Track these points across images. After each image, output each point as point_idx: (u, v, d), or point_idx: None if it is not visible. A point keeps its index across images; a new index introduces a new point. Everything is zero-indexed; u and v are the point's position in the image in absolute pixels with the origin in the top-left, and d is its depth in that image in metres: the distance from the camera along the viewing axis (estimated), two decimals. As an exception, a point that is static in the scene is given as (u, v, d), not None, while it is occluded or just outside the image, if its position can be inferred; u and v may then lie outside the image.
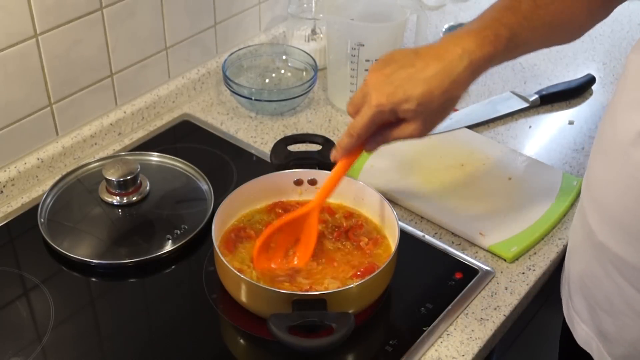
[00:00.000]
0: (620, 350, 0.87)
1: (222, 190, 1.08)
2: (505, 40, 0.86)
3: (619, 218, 0.80)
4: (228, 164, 1.20)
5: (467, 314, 0.97)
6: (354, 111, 0.90)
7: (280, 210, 1.03)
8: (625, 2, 0.95)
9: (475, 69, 0.86)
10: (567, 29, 0.93)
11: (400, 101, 0.85)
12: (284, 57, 1.41)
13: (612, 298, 0.85)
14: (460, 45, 0.85)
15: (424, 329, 0.94)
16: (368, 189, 1.02)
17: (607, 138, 0.82)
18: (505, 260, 1.04)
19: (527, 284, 1.01)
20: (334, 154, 0.94)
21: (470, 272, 1.02)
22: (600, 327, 0.89)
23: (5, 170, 1.11)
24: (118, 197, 1.10)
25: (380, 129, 0.90)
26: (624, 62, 1.50)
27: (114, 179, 1.09)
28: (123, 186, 1.09)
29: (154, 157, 1.18)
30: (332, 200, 1.04)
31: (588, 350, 0.92)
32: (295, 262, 0.96)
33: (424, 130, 0.88)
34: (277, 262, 0.96)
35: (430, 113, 0.86)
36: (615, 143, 0.79)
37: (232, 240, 0.98)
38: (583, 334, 0.92)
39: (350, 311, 0.87)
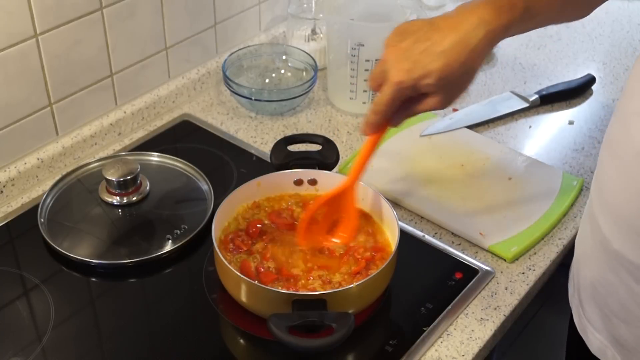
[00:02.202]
0: (639, 359, 0.86)
1: (222, 190, 1.08)
2: (520, 10, 0.85)
3: (635, 225, 0.79)
4: (228, 164, 1.20)
5: (467, 314, 0.97)
6: (375, 85, 0.90)
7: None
8: (626, 2, 0.95)
9: (492, 39, 0.85)
10: (580, 3, 0.93)
11: (420, 77, 0.84)
12: (284, 57, 1.41)
13: (628, 306, 0.84)
14: (477, 15, 0.84)
15: (424, 329, 0.94)
16: (368, 189, 1.02)
17: (619, 143, 0.81)
18: (505, 260, 1.04)
19: (527, 284, 1.01)
20: (362, 129, 0.93)
21: (470, 272, 1.02)
22: (616, 336, 0.87)
23: (5, 170, 1.11)
24: (118, 197, 1.10)
25: (405, 104, 0.90)
26: (624, 62, 1.51)
27: (114, 179, 1.09)
28: (123, 186, 1.09)
29: (154, 157, 1.18)
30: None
31: (603, 359, 0.91)
32: (339, 240, 0.98)
33: (446, 102, 0.88)
34: (324, 238, 0.98)
35: (451, 85, 0.86)
36: (629, 149, 0.78)
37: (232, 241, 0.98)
38: (597, 343, 0.91)
39: (350, 311, 0.86)
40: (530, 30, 0.91)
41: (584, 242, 0.91)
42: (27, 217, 1.09)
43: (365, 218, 1.02)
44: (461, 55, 0.84)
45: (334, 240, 0.98)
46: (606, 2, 0.95)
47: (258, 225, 1.00)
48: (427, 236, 1.07)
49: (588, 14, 0.95)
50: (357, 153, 0.97)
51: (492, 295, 0.99)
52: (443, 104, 0.88)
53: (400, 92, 0.87)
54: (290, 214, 1.02)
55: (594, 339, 0.91)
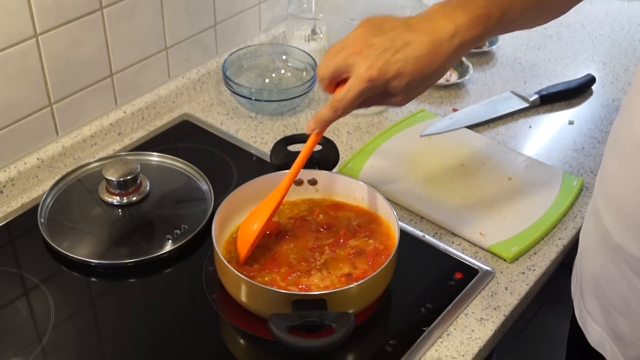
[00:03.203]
0: (634, 352, 0.86)
1: (222, 190, 1.08)
2: (495, 20, 0.86)
3: (637, 219, 0.79)
4: (228, 164, 1.20)
5: (467, 314, 0.97)
6: (329, 75, 0.87)
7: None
8: (626, 2, 0.95)
9: (465, 48, 0.87)
10: (557, 6, 0.94)
11: (391, 78, 0.85)
12: (284, 57, 1.41)
13: (627, 299, 0.84)
14: (454, 22, 0.85)
15: (424, 329, 0.94)
16: (368, 189, 1.02)
17: (624, 139, 0.82)
18: (505, 260, 1.04)
19: (527, 284, 1.01)
20: (310, 125, 0.91)
21: (470, 272, 1.02)
22: (615, 329, 0.88)
23: (5, 170, 1.11)
24: (118, 197, 1.10)
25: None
26: (624, 62, 1.51)
27: (114, 179, 1.09)
28: (123, 186, 1.09)
29: (154, 157, 1.18)
30: (333, 199, 1.04)
31: (601, 352, 0.91)
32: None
33: (405, 102, 0.89)
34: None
35: (416, 87, 0.88)
36: (634, 144, 0.79)
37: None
38: (596, 336, 0.92)
39: (350, 311, 0.86)
40: (505, 33, 0.92)
41: (587, 236, 0.92)
42: (27, 217, 1.09)
43: (366, 218, 1.02)
44: (434, 63, 0.85)
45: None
46: (606, 2, 0.95)
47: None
48: (427, 236, 1.07)
49: (564, 13, 0.96)
50: (298, 155, 0.95)
51: (492, 295, 0.99)
52: (402, 103, 0.89)
53: (368, 90, 0.86)
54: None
55: (593, 332, 0.92)
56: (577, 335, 0.97)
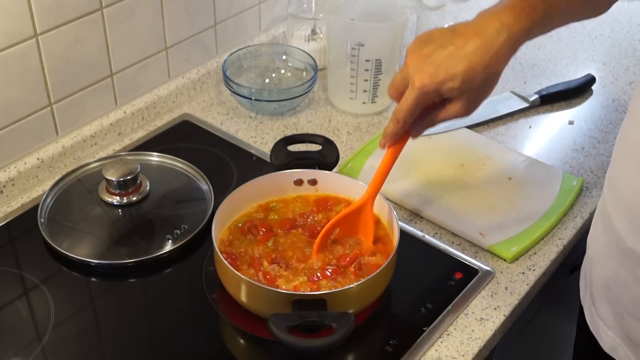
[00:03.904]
0: None
1: (222, 190, 1.08)
2: (541, 12, 0.85)
3: None
4: (228, 164, 1.20)
5: (467, 314, 0.97)
6: (396, 94, 0.89)
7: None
8: (626, 2, 0.95)
9: (515, 42, 0.85)
10: (599, 1, 0.93)
11: (443, 80, 0.84)
12: (284, 57, 1.41)
13: None
14: (498, 19, 0.84)
15: (424, 329, 0.94)
16: (368, 186, 1.02)
17: (633, 141, 0.81)
18: (505, 260, 1.04)
19: (527, 284, 1.01)
20: (382, 142, 0.93)
21: (470, 272, 1.02)
22: (629, 334, 0.88)
23: (5, 170, 1.11)
24: (118, 197, 1.10)
25: (425, 113, 0.89)
26: (624, 62, 1.51)
27: (114, 179, 1.09)
28: (123, 186, 1.09)
29: (154, 157, 1.18)
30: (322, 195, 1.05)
31: (615, 357, 0.91)
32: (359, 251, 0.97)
33: (469, 108, 0.87)
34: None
35: (474, 90, 0.86)
36: None
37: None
38: (609, 341, 0.91)
39: (350, 311, 0.86)
40: (551, 30, 0.90)
41: (597, 241, 0.91)
42: (27, 217, 1.09)
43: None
44: (484, 59, 0.84)
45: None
46: None
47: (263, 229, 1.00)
48: (427, 236, 1.07)
49: (605, 11, 0.95)
50: (376, 166, 0.96)
51: (492, 295, 0.99)
52: (466, 110, 0.87)
53: (423, 97, 0.86)
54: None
55: (606, 337, 0.91)
56: (585, 339, 0.97)
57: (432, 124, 0.90)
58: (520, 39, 0.85)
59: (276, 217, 1.02)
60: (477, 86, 0.85)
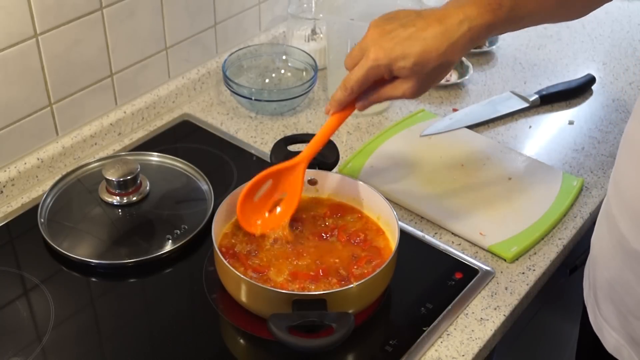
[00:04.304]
0: None
1: (222, 190, 1.08)
2: (507, 9, 0.86)
3: None
4: (228, 164, 1.20)
5: (467, 314, 0.97)
6: (351, 64, 0.91)
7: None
8: (626, 2, 0.95)
9: (474, 35, 0.87)
10: (574, 3, 0.93)
11: (397, 57, 0.86)
12: (284, 57, 1.41)
13: None
14: (462, 11, 0.86)
15: (424, 329, 0.94)
16: (368, 189, 1.02)
17: (638, 142, 0.81)
18: (505, 260, 1.04)
19: (527, 284, 1.01)
20: (327, 108, 0.95)
21: (470, 272, 1.02)
22: (633, 334, 0.88)
23: (5, 170, 1.11)
24: (118, 197, 1.10)
25: (374, 87, 0.91)
26: (624, 62, 1.51)
27: (114, 179, 1.09)
28: (123, 186, 1.09)
29: (154, 157, 1.18)
30: (333, 198, 1.04)
31: (619, 358, 0.91)
32: (278, 212, 0.98)
33: (418, 90, 0.89)
34: (262, 214, 0.98)
35: (425, 74, 0.87)
36: None
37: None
38: (613, 342, 0.91)
39: (350, 311, 0.86)
40: (521, 28, 0.92)
41: (601, 241, 0.91)
42: (27, 217, 1.09)
43: (365, 218, 1.02)
44: (442, 45, 0.85)
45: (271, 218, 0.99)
46: (607, 3, 0.95)
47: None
48: (427, 236, 1.07)
49: (584, 15, 0.95)
50: (318, 131, 0.97)
51: (492, 295, 0.99)
52: (413, 92, 0.89)
53: (375, 70, 0.88)
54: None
55: (610, 338, 0.91)
56: (589, 340, 0.97)
57: (379, 99, 0.92)
58: (481, 33, 0.87)
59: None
60: (428, 71, 0.87)
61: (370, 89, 0.91)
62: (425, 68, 0.86)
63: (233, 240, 0.98)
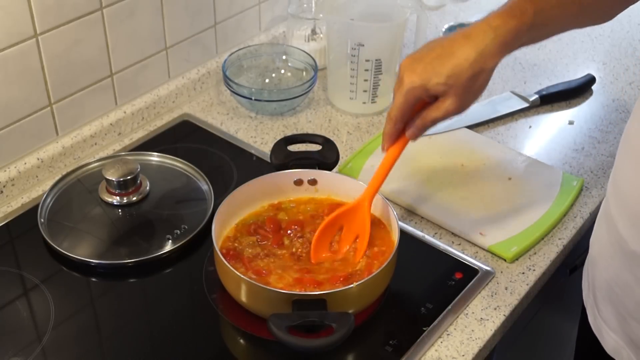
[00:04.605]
0: None
1: (222, 190, 1.08)
2: (531, 15, 0.87)
3: None
4: (228, 164, 1.20)
5: (467, 314, 0.97)
6: (395, 92, 0.92)
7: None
8: (626, 2, 0.95)
9: (503, 42, 0.87)
10: (598, 8, 0.94)
11: (430, 76, 0.87)
12: (284, 57, 1.41)
13: None
14: (486, 22, 0.88)
15: (424, 329, 0.94)
16: (366, 186, 1.02)
17: (637, 143, 0.81)
18: (505, 260, 1.04)
19: (527, 284, 1.01)
20: (382, 145, 0.96)
21: (470, 272, 1.02)
22: (632, 336, 0.88)
23: (5, 170, 1.11)
24: (118, 197, 1.10)
25: (419, 110, 0.91)
26: (624, 62, 1.51)
27: (114, 179, 1.09)
28: (123, 186, 1.09)
29: (154, 157, 1.18)
30: (333, 198, 1.04)
31: (618, 359, 0.91)
32: (349, 253, 0.97)
33: (460, 105, 0.90)
34: (327, 253, 0.97)
35: (462, 87, 0.88)
36: None
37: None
38: (612, 343, 0.91)
39: (350, 311, 0.86)
40: (550, 36, 0.93)
41: (600, 242, 0.91)
42: (27, 217, 1.09)
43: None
44: (470, 55, 0.86)
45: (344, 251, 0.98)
46: (631, 5, 0.96)
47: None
48: (427, 236, 1.07)
49: (608, 20, 0.97)
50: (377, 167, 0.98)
51: (492, 295, 0.99)
52: (457, 107, 0.89)
53: (411, 93, 0.89)
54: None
55: (609, 339, 0.91)
56: (588, 341, 0.97)
57: (426, 122, 0.92)
58: (509, 40, 0.88)
59: (286, 217, 1.02)
60: (463, 82, 0.87)
61: (415, 116, 0.92)
62: (460, 80, 0.87)
63: (236, 244, 0.97)
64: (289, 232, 0.99)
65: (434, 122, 0.91)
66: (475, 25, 0.89)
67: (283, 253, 0.97)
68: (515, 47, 0.90)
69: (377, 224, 1.01)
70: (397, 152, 0.95)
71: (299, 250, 0.97)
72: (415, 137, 0.94)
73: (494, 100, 1.35)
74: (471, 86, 0.88)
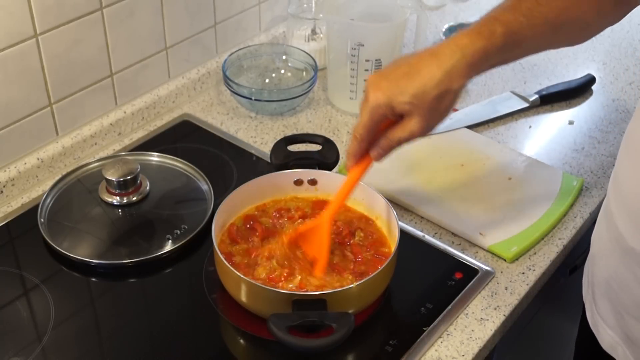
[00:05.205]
0: None
1: (222, 190, 1.08)
2: (500, 36, 0.86)
3: None
4: (228, 164, 1.20)
5: (467, 314, 0.97)
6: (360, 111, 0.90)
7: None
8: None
9: (470, 63, 0.86)
10: (572, 29, 0.92)
11: (395, 93, 0.86)
12: (284, 57, 1.41)
13: None
14: (454, 41, 0.86)
15: (424, 329, 0.94)
16: (368, 189, 1.02)
17: (638, 142, 0.82)
18: (505, 260, 1.04)
19: (527, 284, 1.01)
20: (346, 164, 0.94)
21: (470, 272, 1.02)
22: (628, 333, 0.88)
23: (5, 170, 1.11)
24: (118, 197, 1.10)
25: (384, 130, 0.90)
26: (624, 62, 1.51)
27: (114, 179, 1.09)
28: (123, 186, 1.09)
29: (154, 157, 1.18)
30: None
31: (614, 356, 0.91)
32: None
33: (425, 126, 0.88)
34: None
35: (427, 106, 0.86)
36: None
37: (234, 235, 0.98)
38: (609, 339, 0.92)
39: (350, 311, 0.86)
40: (524, 56, 0.92)
41: (600, 239, 0.92)
42: (27, 217, 1.09)
43: (365, 219, 1.02)
44: (436, 74, 0.85)
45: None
46: (606, 28, 0.95)
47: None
48: (427, 236, 1.07)
49: (583, 41, 0.95)
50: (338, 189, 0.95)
51: (492, 295, 0.99)
52: (421, 128, 0.87)
53: (377, 111, 0.87)
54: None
55: (605, 335, 0.92)
56: (586, 338, 0.97)
57: (391, 143, 0.90)
58: (477, 60, 0.86)
59: (269, 222, 1.01)
60: (429, 102, 0.86)
61: (380, 135, 0.90)
62: (425, 99, 0.85)
63: (231, 249, 0.97)
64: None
65: (399, 142, 0.89)
66: (442, 44, 0.87)
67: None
68: (484, 68, 0.88)
69: (377, 224, 1.01)
70: (360, 172, 0.93)
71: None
72: (380, 157, 0.92)
73: (494, 100, 1.36)
74: (437, 107, 0.87)
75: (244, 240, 0.98)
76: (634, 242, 0.82)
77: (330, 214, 0.95)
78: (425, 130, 0.88)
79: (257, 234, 0.98)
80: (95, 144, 1.22)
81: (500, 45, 0.86)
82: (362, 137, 0.90)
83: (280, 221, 1.01)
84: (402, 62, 0.88)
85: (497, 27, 0.86)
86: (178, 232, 1.05)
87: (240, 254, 0.96)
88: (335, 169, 1.09)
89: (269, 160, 1.08)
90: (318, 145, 1.09)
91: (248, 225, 1.00)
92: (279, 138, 1.11)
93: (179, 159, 1.17)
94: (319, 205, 1.03)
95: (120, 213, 1.10)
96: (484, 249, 1.06)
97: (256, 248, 0.96)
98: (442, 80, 0.85)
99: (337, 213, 0.97)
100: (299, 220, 1.00)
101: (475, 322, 0.96)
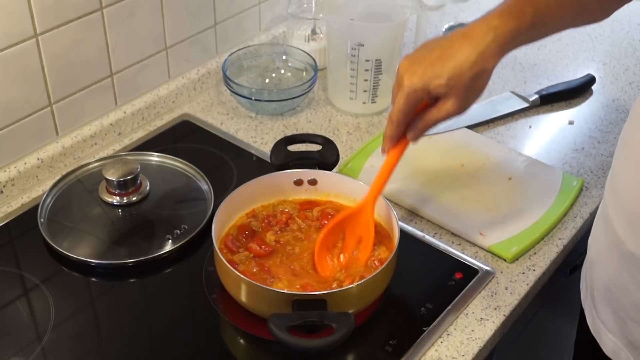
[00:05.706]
0: None
1: (222, 190, 1.08)
2: (530, 16, 0.87)
3: None
4: (228, 164, 1.20)
5: (467, 314, 0.97)
6: (394, 99, 0.92)
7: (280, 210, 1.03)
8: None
9: (502, 43, 0.87)
10: (597, 6, 0.94)
11: (430, 77, 0.87)
12: (284, 57, 1.41)
13: None
14: (485, 22, 0.88)
15: (424, 329, 0.94)
16: (367, 189, 1.02)
17: (634, 144, 0.81)
18: (505, 260, 1.04)
19: (527, 284, 1.01)
20: (382, 147, 0.95)
21: (470, 272, 1.02)
22: (631, 338, 0.88)
23: (5, 170, 1.11)
24: (118, 197, 1.10)
25: (420, 112, 0.91)
26: (624, 62, 1.51)
27: (114, 179, 1.09)
28: (123, 186, 1.09)
29: (154, 157, 1.18)
30: (333, 200, 1.04)
31: None
32: (354, 254, 0.97)
33: (461, 106, 0.89)
34: (331, 259, 0.96)
35: (463, 87, 0.88)
36: None
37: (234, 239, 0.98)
38: (611, 344, 0.91)
39: (350, 311, 0.86)
40: (547, 35, 0.93)
41: (598, 243, 0.91)
42: (27, 217, 1.09)
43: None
44: (471, 56, 0.86)
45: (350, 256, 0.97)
46: (626, 3, 0.95)
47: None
48: (427, 236, 1.07)
49: (605, 18, 0.96)
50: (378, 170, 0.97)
51: (492, 295, 0.99)
52: (456, 109, 0.89)
53: (413, 95, 0.89)
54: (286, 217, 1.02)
55: (607, 341, 0.91)
56: (586, 342, 0.96)
57: (427, 124, 0.92)
58: (508, 40, 0.88)
59: (260, 227, 1.01)
60: (465, 83, 0.87)
61: (416, 117, 0.92)
62: (461, 80, 0.87)
63: (238, 244, 0.97)
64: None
65: (436, 123, 0.91)
66: (473, 25, 0.88)
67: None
68: (514, 47, 0.90)
69: (377, 224, 1.01)
70: (398, 154, 0.95)
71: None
72: (416, 139, 0.93)
73: (494, 100, 1.35)
74: (472, 86, 0.88)
75: (242, 248, 0.98)
76: (633, 246, 0.82)
77: (374, 196, 0.97)
78: (462, 109, 0.90)
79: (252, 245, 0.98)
80: (95, 144, 1.22)
81: (530, 25, 0.88)
82: (398, 121, 0.91)
83: (271, 227, 1.00)
84: (434, 45, 0.89)
85: (527, 7, 0.87)
86: (178, 232, 1.05)
87: (244, 263, 0.95)
88: (335, 169, 1.09)
89: (269, 160, 1.08)
90: (318, 145, 1.09)
91: (243, 236, 1.00)
92: (279, 138, 1.11)
93: (179, 159, 1.17)
94: (305, 206, 1.04)
95: (120, 213, 1.10)
96: (484, 249, 1.06)
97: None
98: (477, 61, 0.86)
99: (379, 196, 0.98)
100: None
101: (475, 322, 0.96)
